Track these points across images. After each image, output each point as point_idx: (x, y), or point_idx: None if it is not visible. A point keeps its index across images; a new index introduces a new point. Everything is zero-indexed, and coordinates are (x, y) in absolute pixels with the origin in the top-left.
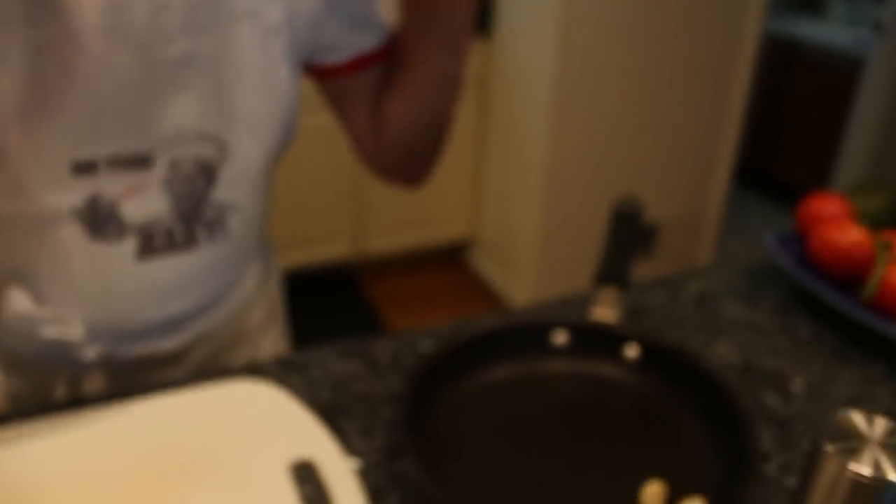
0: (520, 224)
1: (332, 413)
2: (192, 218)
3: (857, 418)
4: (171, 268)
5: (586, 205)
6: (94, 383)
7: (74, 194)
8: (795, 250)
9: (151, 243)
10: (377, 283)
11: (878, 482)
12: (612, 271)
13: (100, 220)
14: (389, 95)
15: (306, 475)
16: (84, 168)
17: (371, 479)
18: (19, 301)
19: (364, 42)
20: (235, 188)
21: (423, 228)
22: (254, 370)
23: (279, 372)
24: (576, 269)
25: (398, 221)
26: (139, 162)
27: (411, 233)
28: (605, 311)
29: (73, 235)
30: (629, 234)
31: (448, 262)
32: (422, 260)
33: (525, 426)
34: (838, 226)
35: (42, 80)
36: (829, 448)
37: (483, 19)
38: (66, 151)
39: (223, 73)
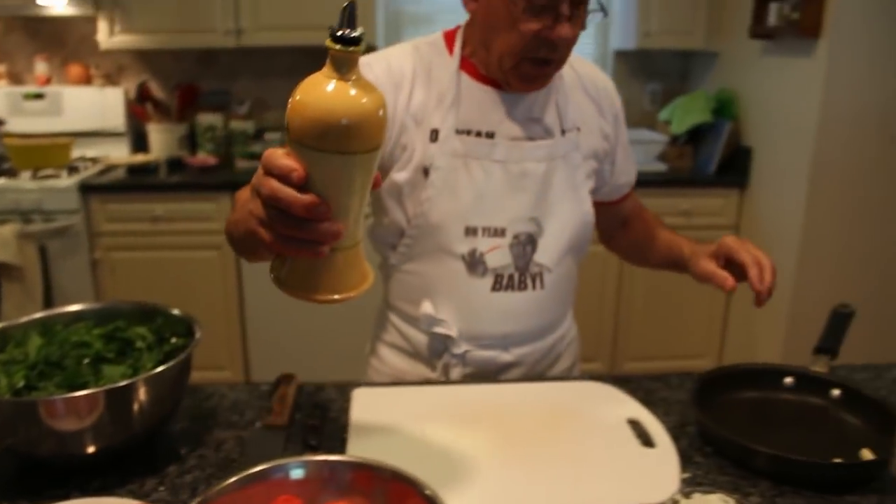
0: (763, 359)
1: (646, 404)
2: (524, 270)
3: None
4: (510, 300)
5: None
6: (457, 372)
7: (463, 246)
8: None
9: (501, 282)
10: None
11: None
12: (827, 345)
13: (474, 263)
14: (622, 240)
15: (635, 426)
16: (470, 231)
17: (671, 433)
18: (427, 307)
19: (622, 190)
20: (549, 256)
21: (673, 360)
22: (598, 378)
23: (615, 382)
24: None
25: (650, 352)
26: (498, 232)
27: (661, 363)
28: (819, 370)
29: (459, 270)
30: (840, 326)
31: None
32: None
33: (761, 420)
34: None
35: (451, 180)
36: None
37: (741, 175)
38: (462, 220)
39: (546, 186)
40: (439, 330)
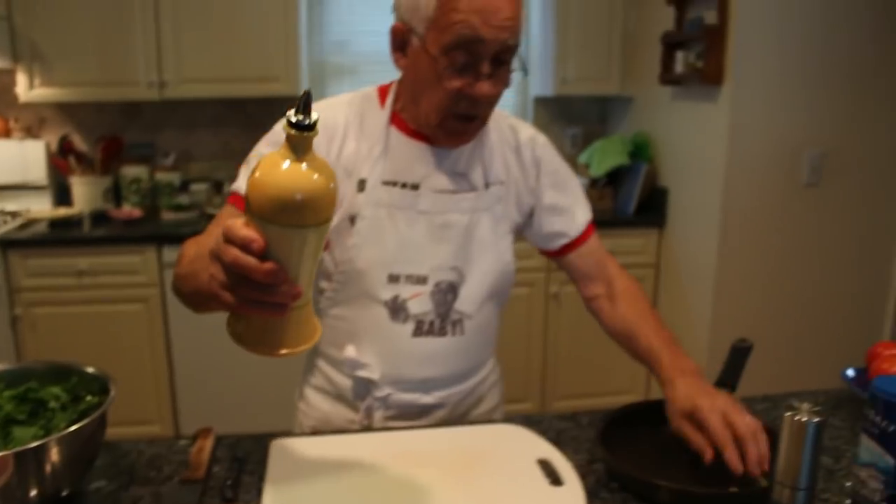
0: None
1: (557, 444)
2: (444, 317)
3: (797, 403)
4: (431, 345)
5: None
6: (380, 414)
7: (386, 292)
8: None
9: (422, 328)
10: None
11: None
12: (725, 379)
13: (396, 309)
14: (596, 307)
15: (545, 466)
16: (393, 278)
17: (579, 471)
18: (350, 351)
19: (563, 239)
20: (469, 304)
21: (601, 397)
22: (511, 421)
23: (525, 424)
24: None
25: (579, 390)
26: (420, 280)
27: (590, 400)
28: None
29: (382, 316)
30: (740, 359)
31: None
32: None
33: (665, 453)
34: (889, 360)
35: (375, 229)
36: (786, 414)
37: (659, 216)
38: (386, 267)
39: (469, 236)
40: (362, 374)
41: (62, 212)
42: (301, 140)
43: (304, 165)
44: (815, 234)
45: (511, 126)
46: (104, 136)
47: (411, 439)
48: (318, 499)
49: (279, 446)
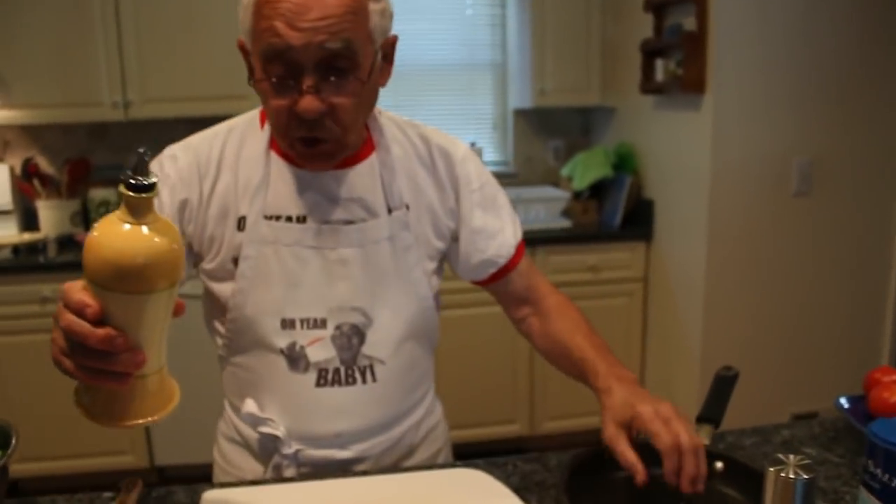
0: (680, 406)
1: (520, 490)
2: (350, 364)
3: (783, 457)
4: (338, 396)
5: (742, 392)
6: (291, 472)
7: (282, 340)
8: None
9: (325, 377)
10: None
11: None
12: (709, 414)
13: (295, 358)
14: (526, 327)
15: None
16: (287, 323)
17: None
18: (250, 405)
19: (493, 268)
20: (380, 348)
21: (595, 416)
22: (470, 464)
23: (487, 467)
24: (729, 426)
25: (569, 410)
26: (318, 323)
27: (583, 418)
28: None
29: (280, 365)
30: (725, 390)
31: None
32: (592, 442)
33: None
34: (890, 388)
35: (262, 269)
36: (771, 469)
37: (645, 228)
38: (278, 312)
39: (371, 271)
40: (264, 430)
41: (27, 237)
42: (140, 203)
43: (143, 229)
44: (806, 245)
45: (422, 137)
46: (71, 159)
47: (355, 488)
48: None
49: (211, 499)
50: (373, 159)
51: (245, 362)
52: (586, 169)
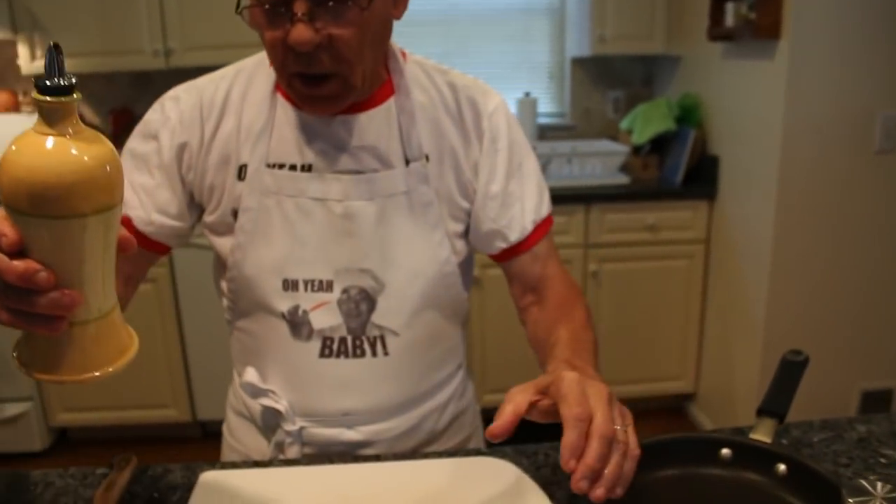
0: (740, 379)
1: (550, 485)
2: (359, 333)
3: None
4: (344, 369)
5: (809, 366)
6: (294, 451)
7: (283, 303)
8: None
9: (330, 347)
10: None
11: None
12: (772, 407)
13: (297, 324)
14: (525, 318)
15: None
16: (290, 285)
17: None
18: (250, 374)
19: (502, 243)
20: (393, 317)
21: (647, 384)
22: (497, 452)
23: (516, 455)
24: (797, 417)
25: (621, 376)
26: (324, 286)
27: (636, 385)
28: (762, 437)
29: (282, 332)
30: (792, 378)
31: (669, 413)
32: (644, 409)
33: None
34: None
35: (263, 223)
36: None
37: (709, 186)
38: (279, 271)
39: (384, 229)
40: (265, 402)
41: None
42: (58, 109)
43: (61, 140)
44: (888, 207)
45: (451, 84)
46: (114, 109)
47: (362, 475)
48: None
49: (208, 480)
50: (390, 104)
51: (247, 327)
52: (647, 122)
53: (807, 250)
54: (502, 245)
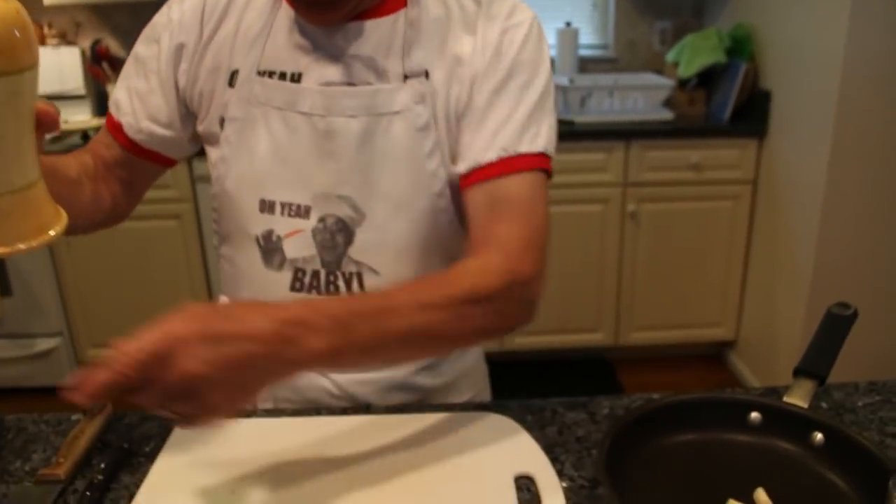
0: (782, 329)
1: (555, 447)
2: (333, 268)
3: None
4: None
5: (856, 327)
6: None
7: (258, 225)
8: None
9: (302, 280)
10: (633, 373)
11: None
12: (812, 367)
13: (270, 250)
14: None
15: (526, 485)
16: (267, 206)
17: (575, 498)
18: (223, 301)
19: (465, 164)
20: (372, 253)
21: (685, 330)
22: (500, 407)
23: (520, 411)
24: (841, 376)
25: (659, 321)
26: (301, 211)
27: (673, 331)
28: (797, 401)
29: (255, 259)
30: (837, 334)
31: (708, 361)
32: (682, 356)
33: (704, 482)
34: None
35: (248, 135)
36: None
37: (759, 123)
38: (258, 190)
39: (367, 152)
40: None
41: (96, 122)
42: None
43: None
44: None
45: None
46: None
47: (346, 429)
48: None
49: (185, 431)
50: (399, 15)
51: (227, 253)
52: (695, 54)
53: (861, 196)
54: (461, 169)
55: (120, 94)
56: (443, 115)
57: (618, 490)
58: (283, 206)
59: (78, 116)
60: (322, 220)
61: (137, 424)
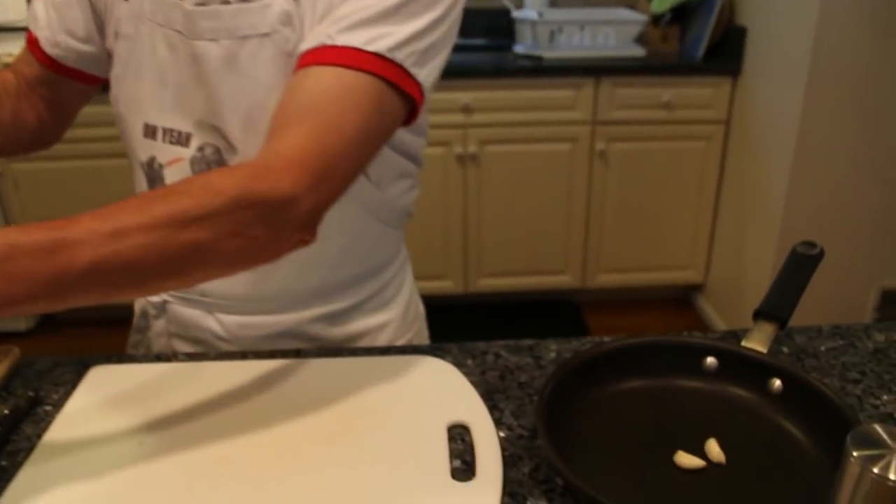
0: (751, 272)
1: (495, 393)
2: None
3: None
4: None
5: (826, 261)
6: (160, 326)
7: (143, 151)
8: None
9: None
10: (600, 316)
11: None
12: (773, 309)
13: (153, 178)
14: None
15: (460, 435)
16: (150, 131)
17: (512, 449)
18: None
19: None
20: None
21: (654, 272)
22: (438, 350)
23: (461, 355)
24: (804, 320)
25: (627, 263)
26: (182, 139)
27: (641, 273)
28: (756, 346)
29: (142, 186)
30: (801, 275)
31: (676, 304)
32: (650, 299)
33: (653, 431)
34: None
35: (137, 54)
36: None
37: (733, 61)
38: (142, 113)
39: (242, 79)
40: None
41: None
42: None
43: None
44: None
45: None
46: None
47: (271, 370)
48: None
49: (96, 377)
50: None
51: (133, 180)
52: None
53: (835, 137)
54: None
55: (37, 5)
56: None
57: (557, 440)
58: (164, 131)
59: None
60: (201, 148)
61: (49, 371)
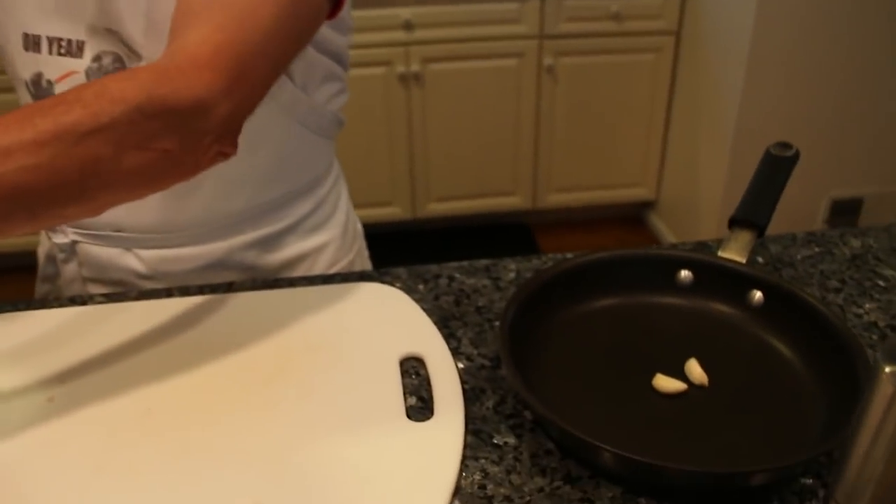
0: (704, 188)
1: (450, 320)
2: None
3: None
4: None
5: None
6: (71, 271)
7: (27, 69)
8: None
9: None
10: (551, 237)
11: None
12: (750, 215)
13: (40, 98)
14: None
15: (414, 369)
16: (32, 43)
17: (473, 381)
18: None
19: None
20: None
21: (605, 191)
22: (386, 275)
23: (411, 279)
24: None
25: (577, 182)
26: (73, 50)
27: (592, 192)
28: (734, 256)
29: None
30: (777, 178)
31: (628, 222)
32: (601, 217)
33: (628, 354)
34: None
35: None
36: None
37: None
38: (20, 23)
39: None
40: None
41: None
42: None
43: None
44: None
45: None
46: None
47: (200, 308)
48: None
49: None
50: None
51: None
52: None
53: (788, 45)
54: None
55: None
56: None
57: (523, 369)
58: (50, 41)
59: None
60: (97, 58)
61: None
